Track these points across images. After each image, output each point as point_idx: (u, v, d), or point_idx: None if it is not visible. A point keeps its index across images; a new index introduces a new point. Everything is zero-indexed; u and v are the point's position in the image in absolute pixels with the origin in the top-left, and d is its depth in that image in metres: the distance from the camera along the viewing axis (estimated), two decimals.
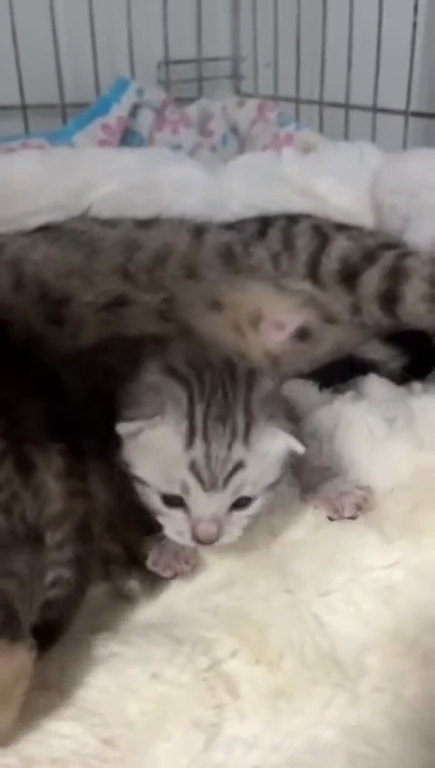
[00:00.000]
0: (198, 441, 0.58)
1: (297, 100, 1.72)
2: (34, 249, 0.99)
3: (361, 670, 0.54)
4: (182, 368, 0.64)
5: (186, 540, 0.59)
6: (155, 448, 0.59)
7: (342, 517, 0.66)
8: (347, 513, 0.66)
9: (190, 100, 1.87)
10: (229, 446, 0.58)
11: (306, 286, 1.04)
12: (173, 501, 0.59)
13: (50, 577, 0.57)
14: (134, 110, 1.72)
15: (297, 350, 1.00)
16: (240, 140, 1.82)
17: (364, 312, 1.00)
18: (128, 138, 1.75)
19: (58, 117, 1.76)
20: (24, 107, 1.70)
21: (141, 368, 0.66)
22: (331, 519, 0.67)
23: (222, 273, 1.00)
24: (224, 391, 0.61)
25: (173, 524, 0.60)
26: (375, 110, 1.50)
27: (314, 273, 1.05)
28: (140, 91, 1.71)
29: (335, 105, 1.61)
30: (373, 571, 0.61)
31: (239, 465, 0.58)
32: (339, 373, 0.96)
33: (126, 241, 1.00)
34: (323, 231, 1.11)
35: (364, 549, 0.62)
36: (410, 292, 0.96)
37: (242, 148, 1.77)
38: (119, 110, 1.67)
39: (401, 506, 0.66)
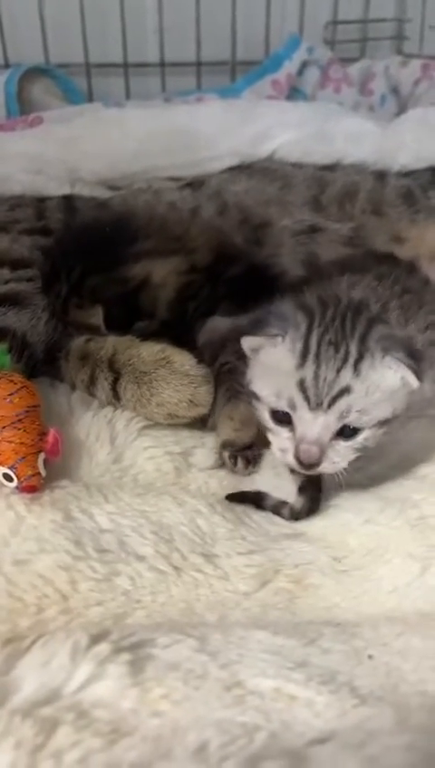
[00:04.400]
0: (309, 361, 0.61)
1: None
2: (235, 182, 1.11)
3: None
4: (311, 301, 0.67)
5: (288, 458, 0.62)
6: (271, 365, 0.63)
7: None
8: None
9: (352, 60, 1.91)
10: (338, 371, 0.60)
11: None
12: (281, 418, 0.62)
13: None
14: (301, 68, 1.80)
15: None
16: (401, 100, 1.85)
17: None
18: (291, 95, 1.82)
19: (226, 74, 1.86)
20: (198, 63, 1.82)
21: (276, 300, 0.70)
22: None
23: (404, 211, 1.08)
24: (343, 322, 0.63)
25: (279, 441, 0.63)
26: None
27: None
28: (310, 50, 1.78)
29: None
30: None
31: (345, 390, 0.60)
32: None
33: (315, 177, 1.10)
34: None
35: None
36: None
37: (403, 108, 1.80)
38: (289, 68, 1.75)
39: None
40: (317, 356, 0.61)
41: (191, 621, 0.54)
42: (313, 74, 1.81)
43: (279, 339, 0.63)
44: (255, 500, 0.67)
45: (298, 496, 0.66)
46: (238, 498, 0.68)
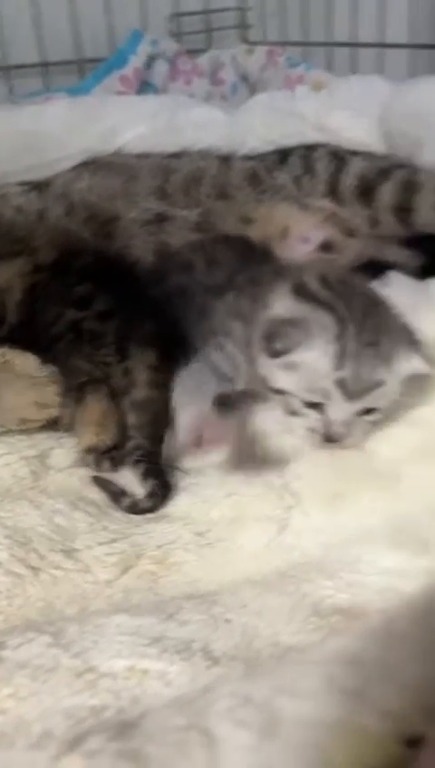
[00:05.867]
0: (349, 363, 0.64)
1: (305, 44, 1.79)
2: (79, 180, 1.10)
3: (398, 478, 0.65)
4: (322, 293, 0.68)
5: (315, 437, 0.66)
6: (301, 367, 0.65)
7: None
8: None
9: (200, 52, 1.94)
10: (375, 369, 0.65)
11: (327, 204, 1.15)
12: (311, 404, 0.66)
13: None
14: (149, 62, 1.80)
15: (322, 261, 1.11)
16: (251, 87, 1.90)
17: (381, 224, 1.10)
18: (143, 89, 1.83)
19: (75, 73, 1.84)
20: (44, 64, 1.79)
21: (268, 293, 0.71)
22: None
23: (250, 193, 1.11)
24: (373, 317, 0.67)
25: (307, 422, 0.67)
26: (382, 45, 1.58)
27: (333, 191, 1.15)
28: (154, 43, 1.78)
29: (343, 44, 1.69)
30: None
31: (380, 384, 0.65)
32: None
33: (160, 167, 1.11)
34: (340, 155, 1.21)
35: None
36: (423, 202, 1.07)
37: (253, 95, 1.85)
38: (135, 62, 1.75)
39: None
40: (357, 358, 0.64)
41: (50, 618, 0.53)
42: (161, 67, 1.83)
43: (306, 344, 0.64)
44: (113, 497, 0.67)
45: (144, 483, 0.67)
46: (102, 484, 0.68)
